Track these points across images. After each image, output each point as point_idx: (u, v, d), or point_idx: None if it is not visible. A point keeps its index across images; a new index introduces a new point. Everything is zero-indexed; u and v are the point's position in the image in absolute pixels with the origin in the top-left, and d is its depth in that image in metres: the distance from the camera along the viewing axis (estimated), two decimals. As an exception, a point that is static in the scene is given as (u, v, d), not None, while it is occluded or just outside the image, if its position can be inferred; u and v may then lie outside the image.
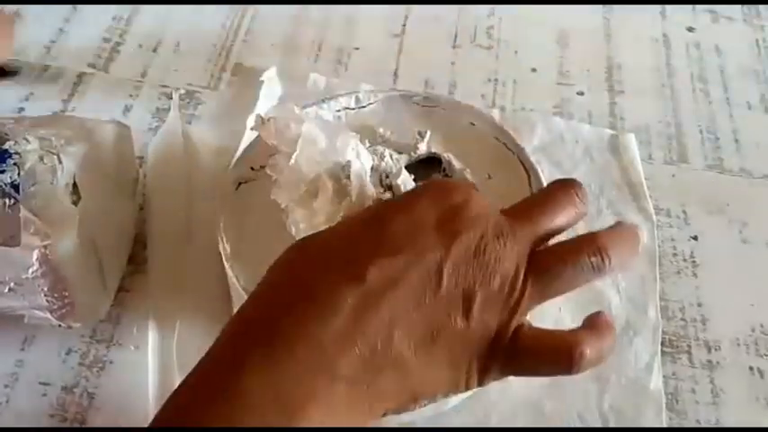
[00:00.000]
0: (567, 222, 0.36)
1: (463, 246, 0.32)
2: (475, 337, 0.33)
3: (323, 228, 0.41)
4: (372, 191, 0.43)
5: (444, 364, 0.33)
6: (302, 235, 0.43)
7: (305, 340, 0.30)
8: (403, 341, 0.31)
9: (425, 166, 0.48)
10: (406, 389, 0.32)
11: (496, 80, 0.64)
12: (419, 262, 0.32)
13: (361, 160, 0.44)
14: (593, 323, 0.35)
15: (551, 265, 0.34)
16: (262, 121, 0.44)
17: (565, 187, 0.36)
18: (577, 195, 0.36)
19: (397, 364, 0.31)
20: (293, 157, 0.42)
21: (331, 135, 0.43)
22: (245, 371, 0.30)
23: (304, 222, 0.43)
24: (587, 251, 0.34)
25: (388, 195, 0.44)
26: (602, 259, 0.34)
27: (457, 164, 0.49)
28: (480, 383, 0.34)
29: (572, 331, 0.34)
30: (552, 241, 0.36)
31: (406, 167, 0.46)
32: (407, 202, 0.35)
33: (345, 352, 0.30)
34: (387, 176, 0.46)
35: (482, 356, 0.33)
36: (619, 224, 0.37)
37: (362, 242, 0.33)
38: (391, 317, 0.31)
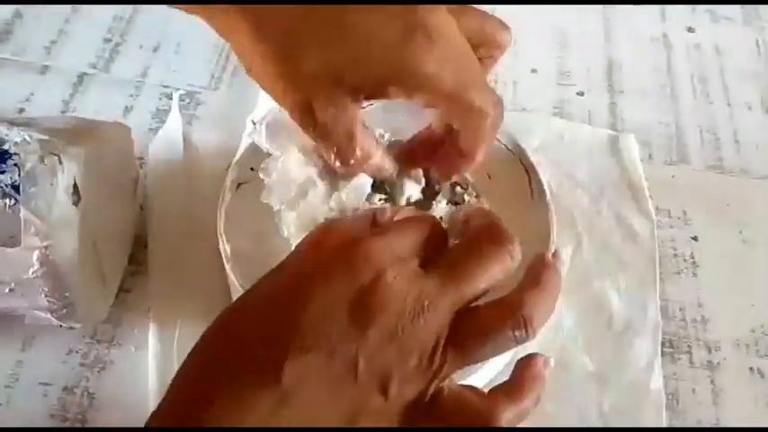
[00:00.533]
0: (496, 281, 0.34)
1: (378, 332, 0.31)
2: (394, 408, 0.32)
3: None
4: (364, 192, 0.43)
5: None
6: (294, 237, 0.43)
7: None
8: None
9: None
10: None
11: (496, 80, 0.63)
12: (334, 356, 0.31)
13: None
14: (521, 374, 0.34)
15: (471, 338, 0.32)
16: (254, 126, 0.44)
17: (498, 243, 0.34)
18: (510, 255, 0.34)
19: None
20: (281, 158, 0.42)
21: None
22: None
23: (296, 224, 0.43)
24: (510, 323, 0.32)
25: (378, 197, 0.44)
26: (526, 332, 0.32)
27: (457, 164, 0.48)
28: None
29: (492, 396, 0.33)
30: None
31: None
32: (321, 276, 0.32)
33: None
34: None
35: (403, 419, 0.33)
36: (538, 263, 0.35)
37: (277, 333, 0.31)
38: (310, 414, 0.31)
